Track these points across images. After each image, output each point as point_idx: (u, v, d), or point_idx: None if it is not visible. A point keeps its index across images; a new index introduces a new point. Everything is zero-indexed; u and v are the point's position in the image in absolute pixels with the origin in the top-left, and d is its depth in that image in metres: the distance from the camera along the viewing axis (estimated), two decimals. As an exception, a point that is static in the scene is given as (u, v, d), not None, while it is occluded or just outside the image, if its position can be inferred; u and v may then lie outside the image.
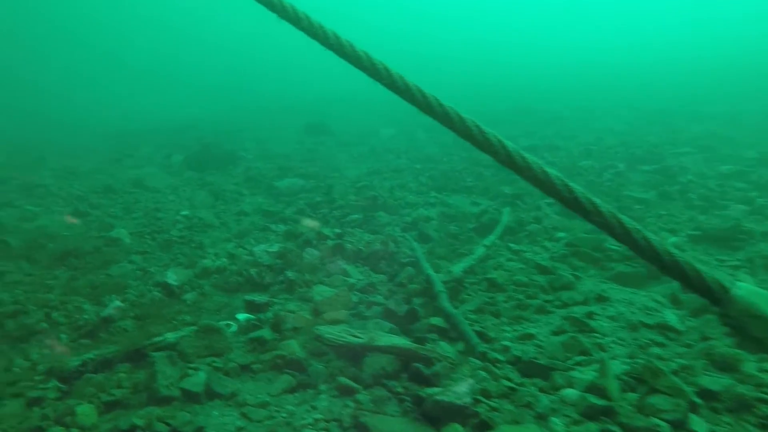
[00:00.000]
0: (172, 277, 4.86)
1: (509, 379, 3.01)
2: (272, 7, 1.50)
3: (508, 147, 1.31)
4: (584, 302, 4.03)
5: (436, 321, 3.79)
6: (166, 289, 4.78)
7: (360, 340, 3.34)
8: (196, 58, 37.53)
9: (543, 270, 4.64)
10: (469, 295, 4.43)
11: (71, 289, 5.02)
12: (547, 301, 4.13)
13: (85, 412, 2.95)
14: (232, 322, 4.07)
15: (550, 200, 5.43)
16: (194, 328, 3.79)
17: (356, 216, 6.71)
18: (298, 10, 1.49)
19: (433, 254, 5.37)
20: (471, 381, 2.89)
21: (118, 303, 4.33)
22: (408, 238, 5.78)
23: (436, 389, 2.86)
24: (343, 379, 3.11)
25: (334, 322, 4.03)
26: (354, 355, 3.32)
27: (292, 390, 3.16)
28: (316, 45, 1.48)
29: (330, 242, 5.57)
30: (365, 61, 1.44)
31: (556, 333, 3.59)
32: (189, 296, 4.68)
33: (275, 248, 5.43)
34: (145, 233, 6.32)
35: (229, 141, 11.77)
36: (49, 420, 2.91)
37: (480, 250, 5.18)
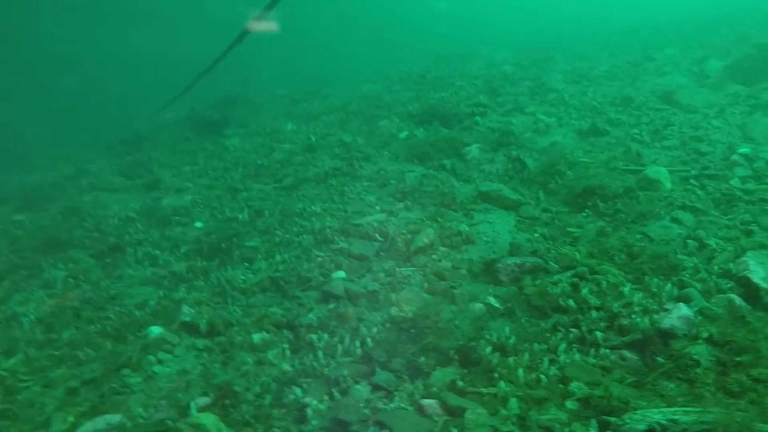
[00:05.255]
0: (759, 273, 3.34)
1: None
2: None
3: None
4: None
5: None
6: (747, 289, 3.35)
7: None
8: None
9: None
10: None
11: (600, 250, 4.20)
12: None
13: None
14: None
15: None
16: None
17: None
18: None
19: None
20: None
21: (686, 310, 3.25)
22: None
23: None
24: None
25: None
26: None
27: None
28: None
29: None
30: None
31: None
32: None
33: None
34: (689, 176, 4.90)
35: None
36: None
37: None
